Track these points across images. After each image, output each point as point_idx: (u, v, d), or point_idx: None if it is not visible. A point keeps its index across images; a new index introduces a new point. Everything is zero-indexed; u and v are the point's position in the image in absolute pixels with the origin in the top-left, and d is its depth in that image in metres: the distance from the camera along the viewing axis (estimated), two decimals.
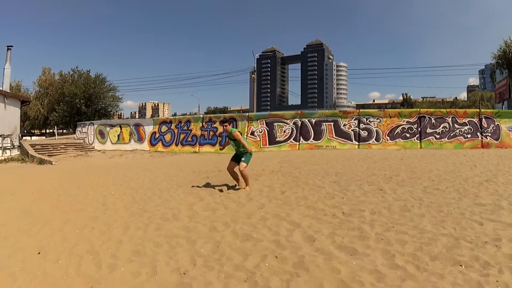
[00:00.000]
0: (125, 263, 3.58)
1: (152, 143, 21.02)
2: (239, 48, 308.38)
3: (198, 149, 19.05)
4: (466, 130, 15.94)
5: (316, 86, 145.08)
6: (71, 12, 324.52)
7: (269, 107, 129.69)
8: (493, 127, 15.85)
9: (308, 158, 12.08)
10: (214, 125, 19.02)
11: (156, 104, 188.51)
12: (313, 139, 17.20)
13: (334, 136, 16.95)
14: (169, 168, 11.67)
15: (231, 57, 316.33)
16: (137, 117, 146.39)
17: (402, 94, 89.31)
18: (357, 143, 16.61)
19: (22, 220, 5.69)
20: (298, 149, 16.92)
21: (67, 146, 22.56)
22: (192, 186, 7.65)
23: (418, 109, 17.75)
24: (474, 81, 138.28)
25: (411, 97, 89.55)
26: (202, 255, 3.64)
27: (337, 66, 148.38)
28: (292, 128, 17.59)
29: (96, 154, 21.15)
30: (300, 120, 17.57)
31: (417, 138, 16.20)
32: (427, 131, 16.24)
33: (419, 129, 16.30)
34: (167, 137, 20.52)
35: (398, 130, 16.47)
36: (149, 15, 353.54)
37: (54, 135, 32.07)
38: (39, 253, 4.03)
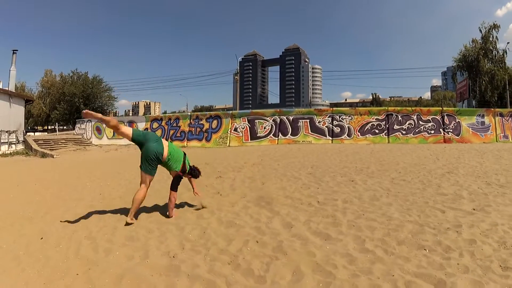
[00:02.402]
0: (120, 247, 3.50)
1: None
2: (223, 52, 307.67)
3: (186, 144, 18.88)
4: (429, 126, 16.26)
5: (293, 86, 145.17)
6: (71, 20, 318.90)
7: (250, 106, 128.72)
8: (454, 123, 16.23)
9: (286, 152, 12.10)
10: (201, 122, 18.98)
11: (148, 103, 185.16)
12: (290, 134, 17.25)
13: (310, 132, 17.03)
14: None
15: (216, 60, 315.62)
16: (130, 115, 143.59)
17: (372, 93, 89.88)
18: (330, 138, 16.74)
19: (26, 208, 5.53)
20: (277, 144, 16.94)
21: (67, 141, 22.13)
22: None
23: (386, 108, 18.06)
24: (437, 82, 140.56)
25: (380, 96, 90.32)
26: (190, 240, 3.58)
27: (312, 68, 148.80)
28: (271, 125, 17.60)
29: (93, 148, 20.82)
30: (279, 118, 17.58)
31: (385, 134, 16.44)
32: (394, 128, 16.49)
33: (387, 125, 16.54)
34: (158, 133, 20.20)
35: (368, 126, 16.67)
36: (142, 23, 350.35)
37: (55, 131, 31.38)
38: (41, 239, 3.92)
